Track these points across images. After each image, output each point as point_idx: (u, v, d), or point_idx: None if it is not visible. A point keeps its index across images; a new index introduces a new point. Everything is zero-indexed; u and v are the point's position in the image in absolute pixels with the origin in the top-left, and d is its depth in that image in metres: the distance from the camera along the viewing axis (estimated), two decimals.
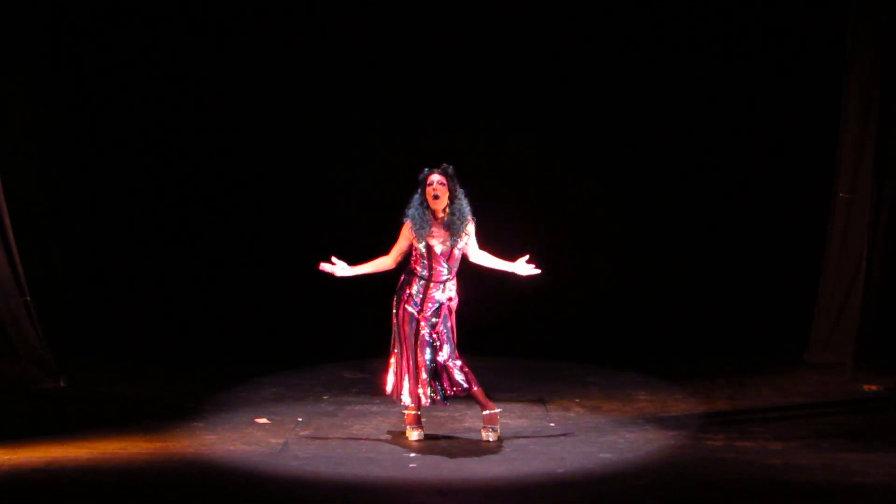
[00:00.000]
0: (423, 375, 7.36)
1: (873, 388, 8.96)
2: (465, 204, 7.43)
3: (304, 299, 11.18)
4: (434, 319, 7.40)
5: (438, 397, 7.39)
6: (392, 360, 7.53)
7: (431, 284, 7.41)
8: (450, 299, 7.46)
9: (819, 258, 10.31)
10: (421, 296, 7.41)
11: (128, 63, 11.00)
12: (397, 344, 7.49)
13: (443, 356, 7.38)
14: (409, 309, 7.40)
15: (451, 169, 7.42)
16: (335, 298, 11.16)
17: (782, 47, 10.86)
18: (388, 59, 11.15)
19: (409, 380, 7.42)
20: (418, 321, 7.40)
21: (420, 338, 7.39)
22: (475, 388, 7.40)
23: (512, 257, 7.55)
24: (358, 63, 11.18)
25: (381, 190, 10.95)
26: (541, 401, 8.64)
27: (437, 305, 7.42)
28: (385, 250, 10.80)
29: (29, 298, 9.25)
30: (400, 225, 7.46)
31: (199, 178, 11.21)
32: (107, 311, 11.02)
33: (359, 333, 10.86)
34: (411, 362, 7.41)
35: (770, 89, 10.96)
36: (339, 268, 7.59)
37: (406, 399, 7.45)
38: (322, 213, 11.22)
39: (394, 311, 7.50)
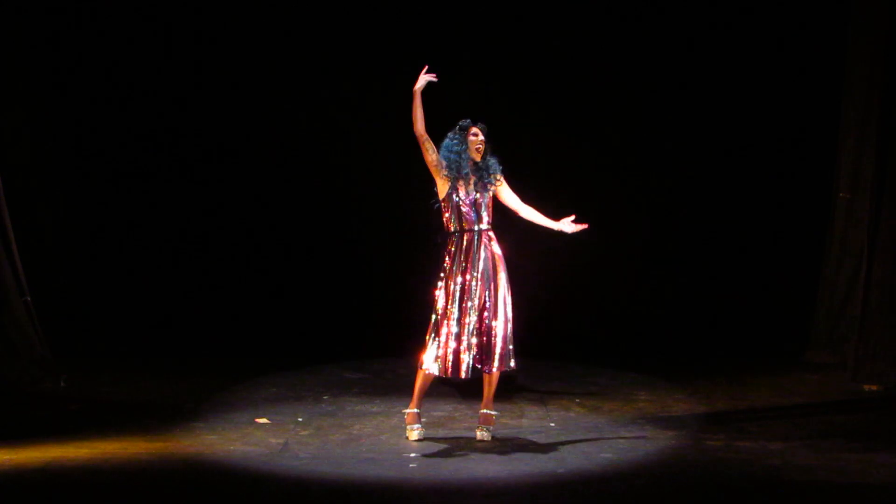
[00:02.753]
0: (454, 343, 7.25)
1: (873, 388, 8.97)
2: (493, 159, 7.49)
3: (305, 299, 11.18)
4: (477, 275, 7.30)
5: (464, 373, 7.27)
6: (431, 330, 7.34)
7: (465, 233, 7.34)
8: (494, 254, 7.37)
9: (819, 258, 10.31)
10: (462, 251, 7.33)
11: (128, 64, 10.99)
12: (439, 310, 7.32)
13: (492, 322, 7.31)
14: (452, 268, 7.32)
15: (485, 128, 7.48)
16: (336, 298, 11.19)
17: (782, 47, 10.85)
18: (392, 52, 11.14)
19: (441, 345, 7.27)
20: (462, 281, 7.30)
21: (464, 299, 7.30)
22: (494, 370, 7.31)
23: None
24: (357, 56, 11.17)
25: (383, 188, 11.00)
26: (541, 401, 8.64)
27: (481, 258, 7.32)
28: (390, 251, 10.81)
29: (29, 298, 9.25)
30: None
31: (199, 178, 11.21)
32: (107, 311, 11.02)
33: (360, 333, 10.88)
34: (446, 327, 7.27)
35: (770, 89, 10.95)
36: (426, 78, 7.33)
37: (432, 368, 7.27)
38: (322, 213, 11.22)
39: (440, 275, 7.39)
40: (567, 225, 7.57)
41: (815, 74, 10.71)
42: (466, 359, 7.28)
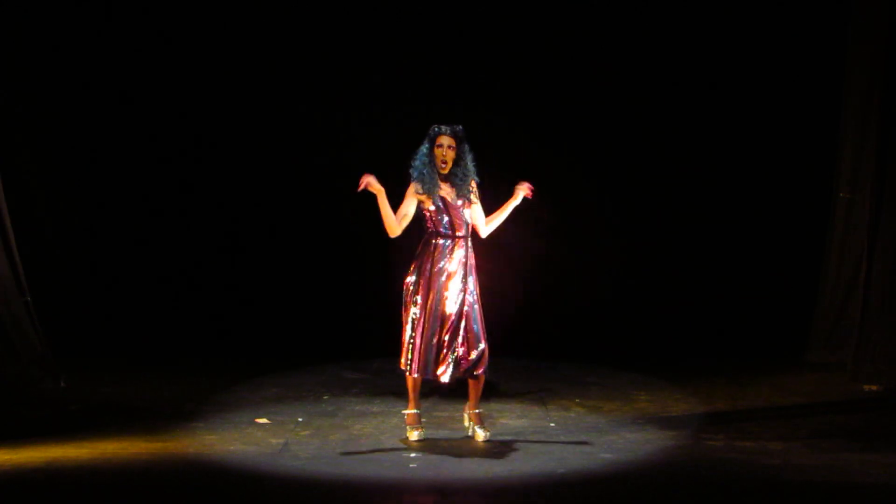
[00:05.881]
0: (440, 348, 7.22)
1: (873, 388, 8.97)
2: (470, 164, 7.35)
3: (305, 299, 11.19)
4: (462, 284, 7.26)
5: (446, 376, 7.25)
6: (408, 331, 7.28)
7: (456, 240, 7.28)
8: (469, 260, 7.30)
9: (819, 258, 10.31)
10: (447, 255, 7.26)
11: (126, 63, 11.00)
12: (412, 312, 7.26)
13: (470, 327, 7.26)
14: (435, 271, 7.24)
15: (461, 131, 7.34)
16: (336, 298, 11.19)
17: (782, 47, 10.86)
18: (388, 53, 11.14)
19: (421, 350, 7.23)
20: (444, 284, 7.25)
21: (443, 303, 7.24)
22: (480, 372, 7.30)
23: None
24: (356, 55, 11.17)
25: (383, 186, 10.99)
26: (541, 401, 8.64)
27: (463, 266, 7.27)
28: (390, 251, 10.80)
29: (29, 298, 9.24)
30: (407, 182, 7.33)
31: (199, 178, 11.21)
32: (106, 310, 11.02)
33: (360, 333, 10.88)
34: (429, 331, 7.23)
35: (770, 89, 10.96)
36: (373, 179, 7.22)
37: (413, 370, 7.25)
38: (322, 213, 11.22)
39: (410, 278, 7.30)
40: (522, 190, 7.41)
41: (815, 75, 10.71)
42: (448, 362, 7.26)
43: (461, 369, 7.29)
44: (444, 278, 7.29)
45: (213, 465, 6.83)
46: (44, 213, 10.69)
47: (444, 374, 7.28)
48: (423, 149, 7.36)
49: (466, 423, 7.53)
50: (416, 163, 7.35)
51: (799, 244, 10.81)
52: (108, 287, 11.13)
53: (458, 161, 7.35)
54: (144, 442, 7.32)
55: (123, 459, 6.90)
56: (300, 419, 7.98)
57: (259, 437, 7.48)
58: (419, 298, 7.29)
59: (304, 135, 11.17)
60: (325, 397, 8.77)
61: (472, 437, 7.42)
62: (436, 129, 7.36)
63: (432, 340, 7.26)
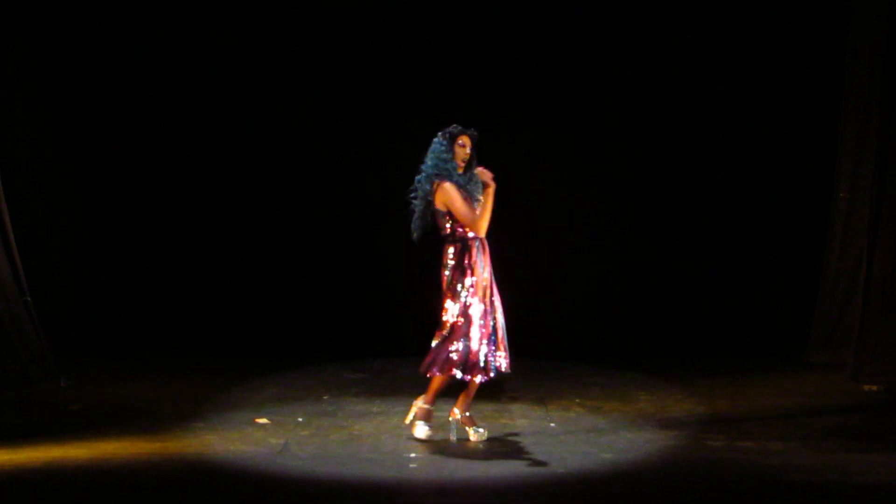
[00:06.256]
0: (486, 345, 7.19)
1: (873, 388, 8.97)
2: (475, 168, 7.36)
3: (305, 299, 11.19)
4: (494, 286, 7.29)
5: (491, 373, 7.26)
6: (473, 339, 7.18)
7: (481, 240, 7.25)
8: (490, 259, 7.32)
9: (819, 258, 10.31)
10: (483, 257, 7.22)
11: (127, 63, 11.00)
12: (465, 318, 7.17)
13: (501, 327, 7.31)
14: (479, 273, 7.18)
15: (477, 135, 7.32)
16: (336, 298, 11.19)
17: (782, 47, 10.86)
18: (385, 61, 11.14)
19: (483, 355, 7.18)
20: (488, 289, 7.23)
21: (494, 308, 7.25)
22: (507, 369, 7.33)
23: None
24: (355, 63, 11.17)
25: (384, 188, 11.01)
26: (541, 401, 8.64)
27: (488, 263, 7.26)
28: (391, 251, 10.79)
29: (29, 298, 9.25)
30: (430, 181, 7.21)
31: (199, 178, 11.21)
32: (106, 310, 11.02)
33: (360, 333, 10.88)
34: (487, 336, 7.21)
35: (770, 89, 10.96)
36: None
37: (464, 373, 7.19)
38: (323, 214, 11.22)
39: (466, 280, 7.17)
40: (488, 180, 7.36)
41: (815, 74, 10.71)
42: (494, 360, 7.25)
43: (501, 368, 7.30)
44: (487, 282, 7.27)
45: (213, 465, 6.83)
46: (44, 213, 10.68)
47: (487, 374, 7.26)
48: (441, 146, 7.25)
49: (454, 427, 7.44)
50: (438, 161, 7.23)
51: (799, 244, 10.81)
52: (108, 287, 11.13)
53: (469, 164, 7.34)
54: (144, 442, 7.32)
55: (123, 459, 6.90)
56: (300, 419, 7.98)
57: (259, 437, 7.48)
58: (476, 305, 7.21)
59: (305, 135, 11.16)
60: (325, 397, 8.77)
61: (468, 440, 7.38)
62: (457, 128, 7.29)
63: (490, 345, 7.26)
